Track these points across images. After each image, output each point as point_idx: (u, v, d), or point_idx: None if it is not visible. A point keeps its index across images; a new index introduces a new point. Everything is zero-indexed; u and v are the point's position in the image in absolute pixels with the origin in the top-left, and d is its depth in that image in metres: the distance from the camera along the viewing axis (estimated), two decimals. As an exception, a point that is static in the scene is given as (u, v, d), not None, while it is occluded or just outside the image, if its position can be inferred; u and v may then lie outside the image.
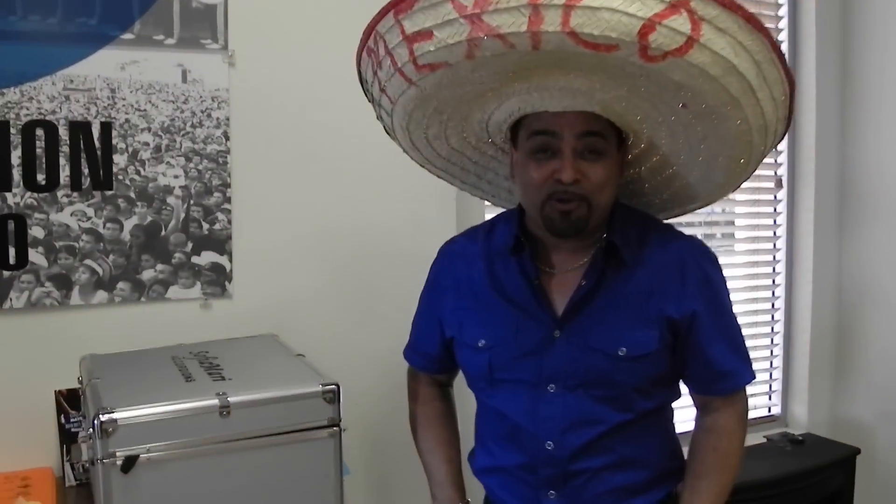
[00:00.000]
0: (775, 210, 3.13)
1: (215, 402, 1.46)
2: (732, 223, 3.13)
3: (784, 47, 2.89)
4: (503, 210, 1.69)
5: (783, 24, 3.00)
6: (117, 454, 1.39)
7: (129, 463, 1.39)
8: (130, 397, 1.45)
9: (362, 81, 1.51)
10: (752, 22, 1.21)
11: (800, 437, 2.83)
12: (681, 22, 1.16)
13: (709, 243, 1.60)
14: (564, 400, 1.46)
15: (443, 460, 1.64)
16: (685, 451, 1.56)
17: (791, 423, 3.13)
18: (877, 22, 2.91)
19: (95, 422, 1.39)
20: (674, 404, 1.59)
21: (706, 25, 1.17)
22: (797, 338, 3.13)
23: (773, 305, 3.13)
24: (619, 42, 1.16)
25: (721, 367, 1.49)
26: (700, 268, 1.51)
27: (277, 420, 1.51)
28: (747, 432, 1.55)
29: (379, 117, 1.56)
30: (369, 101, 1.54)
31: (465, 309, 1.58)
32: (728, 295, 1.55)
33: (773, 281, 3.13)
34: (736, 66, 1.22)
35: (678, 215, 1.70)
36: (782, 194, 3.09)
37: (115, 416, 1.39)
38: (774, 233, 3.13)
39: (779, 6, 3.00)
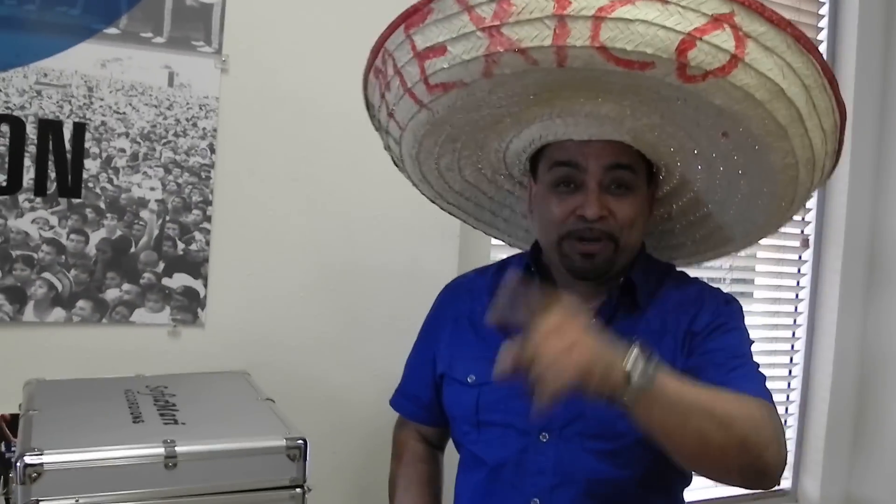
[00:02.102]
0: (799, 271, 2.95)
1: (160, 450, 1.26)
2: (752, 282, 2.95)
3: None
4: (518, 251, 1.55)
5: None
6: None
7: (53, 516, 1.21)
8: (64, 437, 1.27)
9: (369, 107, 1.37)
10: (803, 41, 1.07)
11: (812, 519, 2.63)
12: (724, 38, 1.03)
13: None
14: (557, 451, 1.31)
15: None
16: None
17: (801, 499, 2.93)
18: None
19: (19, 464, 1.20)
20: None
21: (752, 43, 1.04)
22: (814, 407, 2.95)
23: (790, 372, 2.95)
24: (655, 59, 1.03)
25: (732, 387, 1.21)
26: (717, 305, 1.35)
27: (232, 476, 1.31)
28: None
29: (387, 147, 1.43)
30: (376, 129, 1.40)
31: (460, 342, 1.45)
32: (747, 334, 1.35)
33: (793, 346, 2.94)
34: (784, 91, 1.08)
35: (711, 259, 1.57)
36: (808, 255, 2.91)
37: (42, 458, 1.20)
38: (797, 295, 2.94)
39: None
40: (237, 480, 1.31)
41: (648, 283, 1.36)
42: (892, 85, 2.83)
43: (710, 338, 1.30)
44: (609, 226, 1.27)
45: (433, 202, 1.56)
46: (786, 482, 2.95)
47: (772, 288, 2.95)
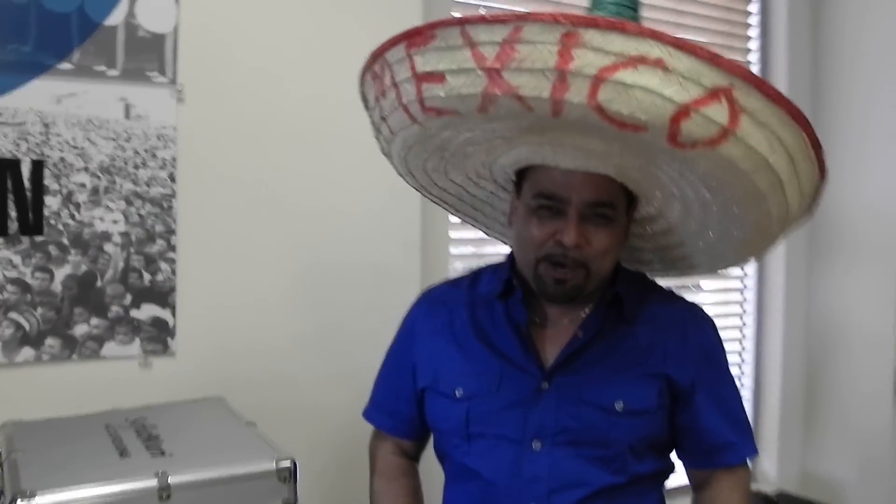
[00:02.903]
0: (744, 258, 3.04)
1: (154, 483, 1.27)
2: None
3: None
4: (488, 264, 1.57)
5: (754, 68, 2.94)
6: (37, 545, 1.20)
7: (52, 557, 1.20)
8: (54, 477, 1.26)
9: (364, 100, 1.37)
10: (796, 117, 1.09)
11: (773, 497, 2.73)
12: (718, 111, 1.04)
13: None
14: (552, 459, 1.33)
15: None
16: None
17: (760, 480, 3.02)
18: (843, 67, 2.88)
19: (12, 508, 1.20)
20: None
21: (745, 117, 1.06)
22: (767, 389, 3.05)
23: (741, 357, 3.04)
24: (649, 125, 1.04)
25: (720, 439, 1.39)
26: (701, 331, 1.43)
27: (225, 502, 1.33)
28: None
29: (376, 138, 1.42)
30: (368, 116, 1.41)
31: (443, 356, 1.45)
32: (727, 363, 1.46)
33: (742, 332, 3.04)
34: (769, 163, 1.11)
35: (675, 276, 1.60)
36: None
37: (35, 501, 1.20)
38: (743, 282, 3.04)
39: (748, 52, 2.96)
40: (230, 506, 1.33)
41: (630, 294, 1.40)
42: (823, 76, 2.95)
43: (692, 397, 1.38)
44: (583, 254, 1.29)
45: (417, 191, 1.56)
46: (744, 464, 3.03)
47: (719, 277, 3.04)
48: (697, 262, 1.49)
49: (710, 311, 1.50)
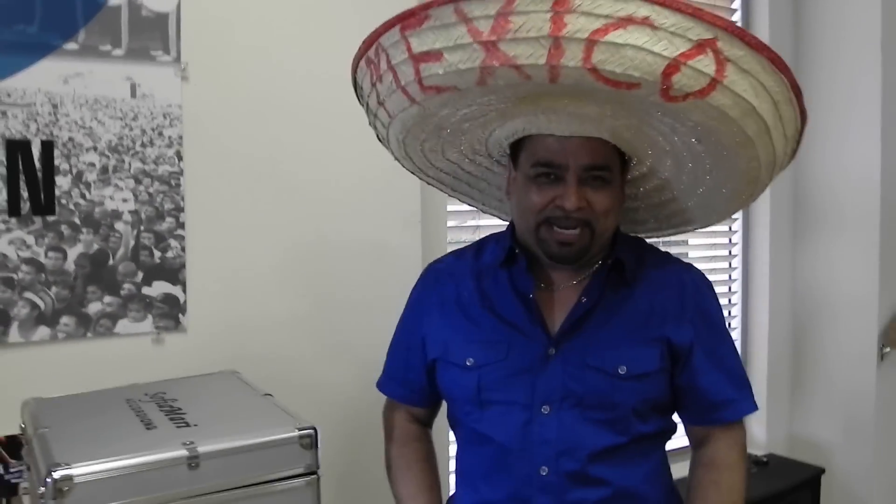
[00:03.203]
0: (730, 228, 3.11)
1: (183, 452, 1.31)
2: (686, 242, 3.10)
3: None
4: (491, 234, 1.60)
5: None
6: (73, 516, 1.23)
7: (88, 525, 1.24)
8: (86, 450, 1.29)
9: (356, 87, 1.40)
10: (777, 63, 1.15)
11: (764, 459, 2.80)
12: (706, 63, 1.09)
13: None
14: (559, 422, 1.38)
15: None
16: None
17: (750, 444, 3.09)
18: (825, 43, 2.93)
19: (48, 480, 1.22)
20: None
21: (731, 66, 1.11)
22: (754, 355, 3.13)
23: (728, 325, 3.11)
24: (642, 81, 1.09)
25: (718, 396, 1.44)
26: (698, 292, 1.47)
27: (250, 470, 1.36)
28: None
29: (372, 125, 1.46)
30: (361, 105, 1.43)
31: (452, 327, 1.48)
32: (725, 323, 1.51)
33: (730, 301, 3.11)
34: (755, 108, 1.16)
35: (670, 235, 1.66)
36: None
37: (70, 471, 1.23)
38: (730, 252, 3.11)
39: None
40: (255, 473, 1.37)
41: (629, 261, 1.44)
42: (804, 52, 3.01)
43: (690, 357, 1.42)
44: (586, 214, 1.33)
45: (414, 174, 1.60)
46: (733, 428, 3.11)
47: (706, 247, 3.11)
48: (690, 216, 1.54)
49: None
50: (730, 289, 3.11)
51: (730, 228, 3.10)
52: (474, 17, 1.11)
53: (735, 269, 3.11)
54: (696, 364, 1.42)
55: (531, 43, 1.08)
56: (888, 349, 2.82)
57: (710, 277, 1.53)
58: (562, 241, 1.35)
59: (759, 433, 3.08)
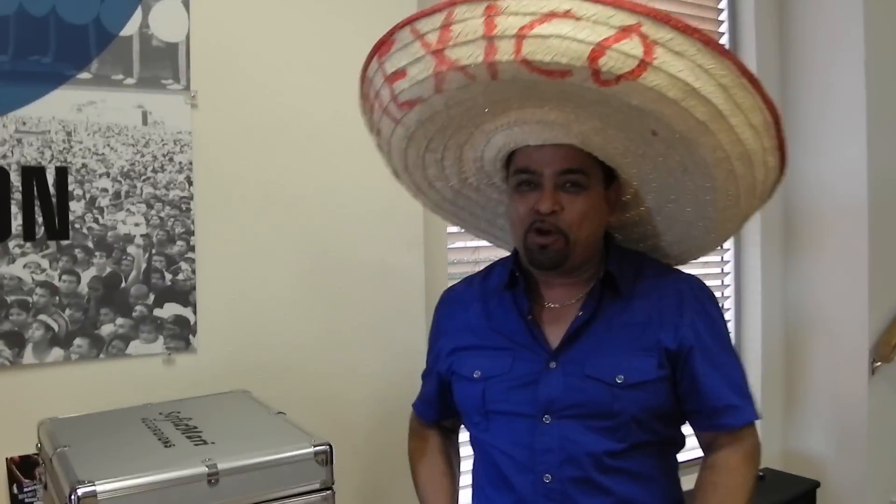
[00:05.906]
0: (722, 247, 3.16)
1: (203, 469, 1.34)
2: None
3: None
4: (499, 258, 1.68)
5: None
6: (97, 532, 1.26)
7: (112, 541, 1.27)
8: (108, 467, 1.32)
9: (368, 126, 1.54)
10: (713, 46, 1.21)
11: (760, 473, 2.83)
12: (632, 46, 1.17)
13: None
14: (561, 431, 1.44)
15: (441, 490, 1.62)
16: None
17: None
18: (815, 49, 3.00)
19: (73, 497, 1.25)
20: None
21: (660, 48, 1.18)
22: (747, 371, 3.10)
23: (723, 340, 3.15)
24: (571, 67, 1.18)
25: (721, 401, 1.46)
26: (698, 300, 1.51)
27: (267, 485, 1.40)
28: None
29: (388, 165, 1.58)
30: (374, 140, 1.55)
31: (462, 348, 1.57)
32: (726, 331, 1.55)
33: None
34: (697, 90, 1.22)
35: (680, 264, 1.68)
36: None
37: (95, 488, 1.26)
38: (722, 270, 3.16)
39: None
40: (272, 489, 1.41)
41: (626, 272, 1.50)
42: (790, 73, 3.07)
43: (689, 360, 1.44)
44: (559, 220, 1.41)
45: (434, 212, 1.72)
46: (728, 444, 3.15)
47: (699, 265, 3.15)
48: (697, 233, 1.56)
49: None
50: (722, 306, 3.15)
51: (721, 247, 3.15)
52: (424, 32, 1.25)
53: (727, 286, 3.17)
54: (696, 367, 1.45)
55: (470, 45, 1.21)
56: (879, 364, 2.87)
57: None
58: (540, 244, 1.43)
59: (755, 448, 3.11)
